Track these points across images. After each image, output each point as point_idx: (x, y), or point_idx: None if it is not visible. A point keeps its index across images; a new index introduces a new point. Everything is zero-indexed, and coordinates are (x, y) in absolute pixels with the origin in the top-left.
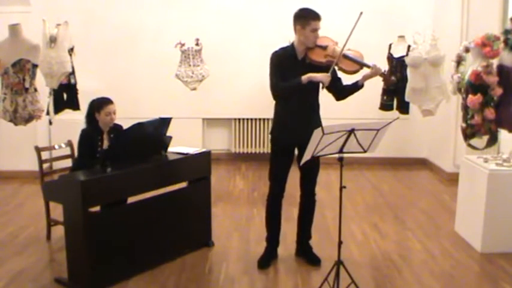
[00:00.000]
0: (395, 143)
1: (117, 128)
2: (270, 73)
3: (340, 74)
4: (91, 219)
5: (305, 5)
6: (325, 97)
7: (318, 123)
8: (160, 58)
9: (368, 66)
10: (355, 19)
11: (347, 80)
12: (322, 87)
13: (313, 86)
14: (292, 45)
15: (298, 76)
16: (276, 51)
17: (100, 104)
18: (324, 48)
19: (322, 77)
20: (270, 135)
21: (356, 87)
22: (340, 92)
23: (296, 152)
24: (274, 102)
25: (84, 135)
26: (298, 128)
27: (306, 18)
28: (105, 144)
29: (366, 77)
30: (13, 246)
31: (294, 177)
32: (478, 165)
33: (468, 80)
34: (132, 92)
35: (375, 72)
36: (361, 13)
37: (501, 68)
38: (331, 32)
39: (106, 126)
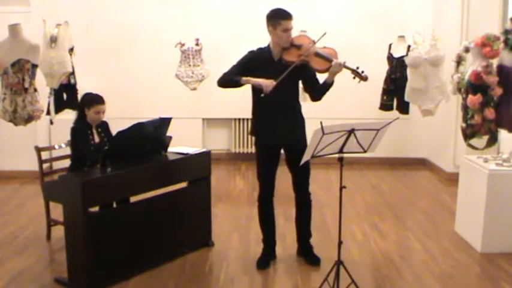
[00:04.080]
0: (395, 143)
1: (104, 124)
2: (233, 64)
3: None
4: (91, 219)
5: (306, 6)
6: (326, 97)
7: (300, 124)
8: (160, 58)
9: (331, 61)
10: (320, 35)
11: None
12: (262, 94)
13: (289, 85)
14: (268, 47)
15: (274, 78)
16: (252, 51)
17: (91, 101)
18: (299, 47)
19: (263, 82)
20: (251, 135)
21: (325, 85)
22: (315, 92)
23: (283, 152)
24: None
25: (77, 129)
26: (280, 129)
27: (276, 18)
28: (96, 138)
29: (331, 73)
30: (13, 246)
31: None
32: (478, 165)
33: (468, 80)
34: (132, 92)
35: (336, 66)
36: (325, 33)
37: (501, 68)
38: (332, 32)
39: (93, 123)
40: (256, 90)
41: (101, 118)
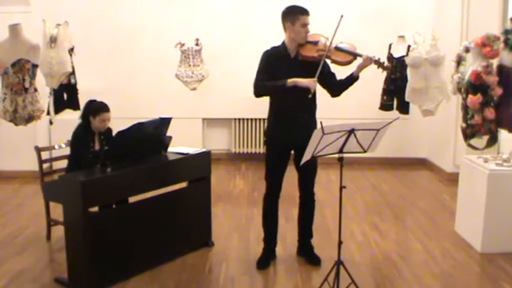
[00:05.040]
0: (395, 143)
1: (107, 131)
2: (257, 71)
3: (335, 67)
4: (91, 219)
5: (306, 6)
6: (324, 97)
7: (314, 125)
8: (160, 58)
9: (360, 56)
10: (338, 21)
11: (342, 73)
12: (309, 94)
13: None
14: (283, 44)
15: (292, 74)
16: (267, 50)
17: (97, 110)
18: (315, 43)
19: (309, 82)
20: (265, 136)
21: (351, 79)
22: (335, 87)
23: (293, 152)
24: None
25: (78, 134)
26: (295, 130)
27: (294, 13)
28: (96, 145)
29: (360, 67)
30: (13, 246)
31: (293, 177)
32: (478, 165)
33: (468, 80)
34: (132, 92)
35: (367, 60)
36: (342, 16)
37: (501, 68)
38: (331, 32)
39: (97, 130)
40: (296, 91)
41: (106, 126)
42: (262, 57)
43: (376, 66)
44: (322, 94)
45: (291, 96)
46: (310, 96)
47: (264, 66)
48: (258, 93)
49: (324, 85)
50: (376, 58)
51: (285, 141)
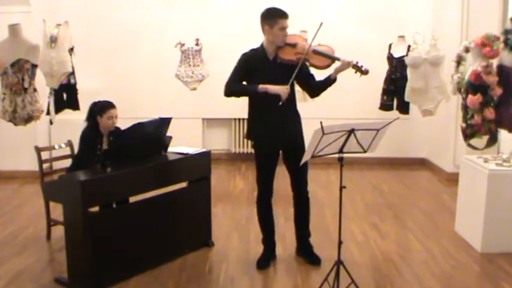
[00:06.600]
0: (395, 143)
1: (115, 130)
2: (231, 71)
3: (313, 70)
4: (91, 219)
5: (306, 6)
6: (325, 97)
7: (297, 123)
8: (160, 58)
9: (338, 59)
10: (317, 27)
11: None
12: (280, 101)
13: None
14: (262, 46)
15: (271, 77)
16: (245, 53)
17: (103, 108)
18: (294, 46)
19: (280, 89)
20: (247, 139)
21: (329, 81)
22: (314, 88)
23: (281, 154)
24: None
25: (86, 135)
26: (278, 131)
27: (273, 17)
28: (104, 147)
29: (337, 70)
30: (13, 246)
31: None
32: (478, 165)
33: (468, 80)
34: (132, 92)
35: (345, 64)
36: (321, 23)
37: (501, 68)
38: (331, 32)
39: (106, 130)
40: (267, 97)
41: (115, 123)
42: (240, 59)
43: (354, 71)
44: (323, 95)
45: (269, 98)
46: (280, 103)
47: (240, 69)
48: (229, 93)
49: (303, 86)
50: (355, 62)
51: (271, 142)
